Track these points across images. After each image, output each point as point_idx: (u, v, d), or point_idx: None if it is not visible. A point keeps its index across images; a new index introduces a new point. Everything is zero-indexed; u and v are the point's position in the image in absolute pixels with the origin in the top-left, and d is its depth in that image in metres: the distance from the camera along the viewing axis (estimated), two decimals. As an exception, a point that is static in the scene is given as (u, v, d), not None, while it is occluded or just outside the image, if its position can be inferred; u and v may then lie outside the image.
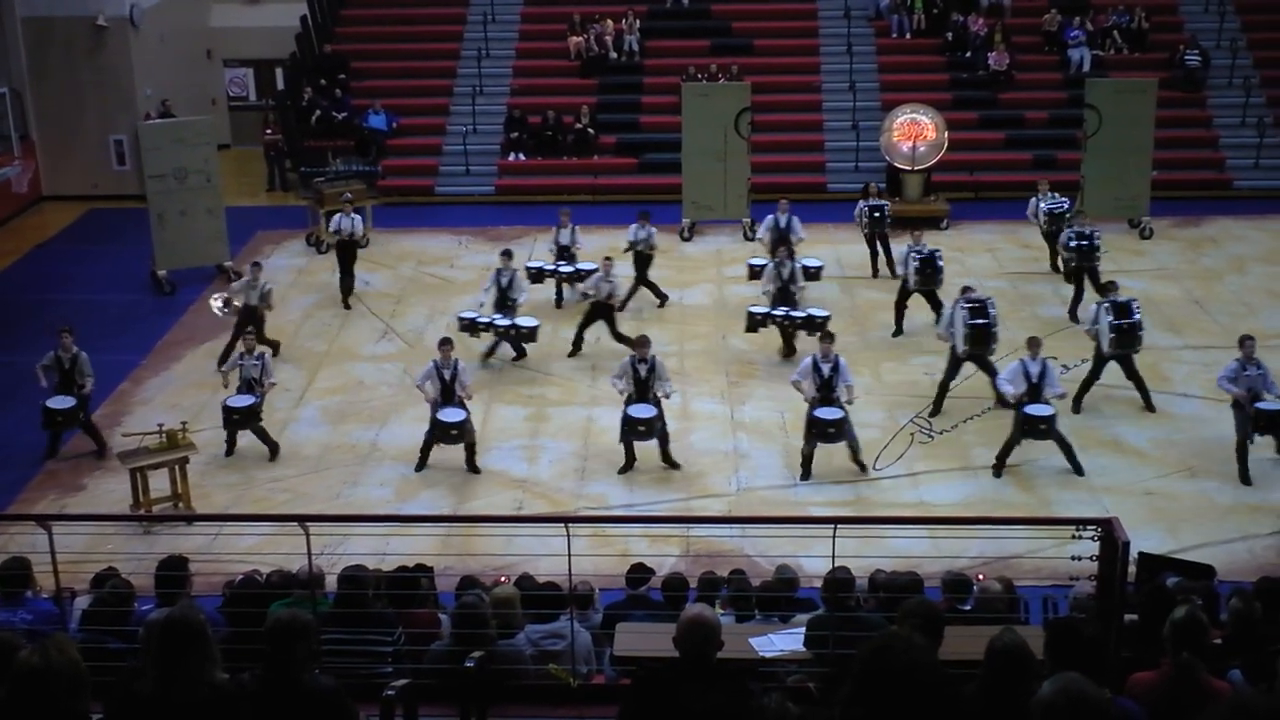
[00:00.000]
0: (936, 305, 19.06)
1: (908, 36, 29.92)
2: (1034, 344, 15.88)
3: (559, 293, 21.34)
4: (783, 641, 8.50)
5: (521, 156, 27.81)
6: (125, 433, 16.23)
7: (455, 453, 16.58)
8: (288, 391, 18.41)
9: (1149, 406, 17.28)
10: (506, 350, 19.16)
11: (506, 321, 18.78)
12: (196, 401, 17.98)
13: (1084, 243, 19.84)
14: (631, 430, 15.85)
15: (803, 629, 8.58)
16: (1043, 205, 21.68)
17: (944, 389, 17.27)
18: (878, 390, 17.99)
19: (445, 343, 16.33)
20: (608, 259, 19.43)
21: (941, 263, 19.39)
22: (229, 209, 23.14)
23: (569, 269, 21.01)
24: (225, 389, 16.59)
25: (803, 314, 18.83)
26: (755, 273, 20.21)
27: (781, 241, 20.27)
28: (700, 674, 5.57)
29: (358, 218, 21.81)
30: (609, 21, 29.67)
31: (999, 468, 15.78)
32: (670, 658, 5.67)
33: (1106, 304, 17.01)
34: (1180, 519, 14.73)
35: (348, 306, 21.41)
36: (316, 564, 8.43)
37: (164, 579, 9.46)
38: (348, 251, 21.55)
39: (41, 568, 9.09)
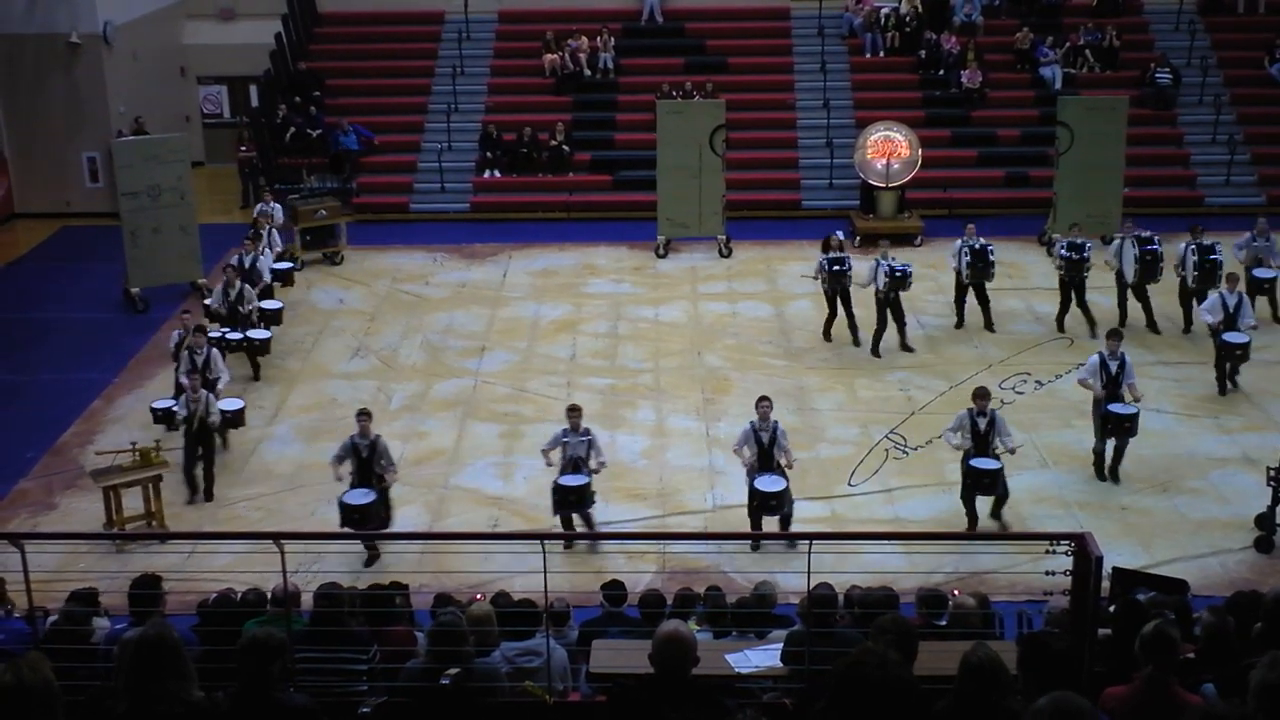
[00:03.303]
0: (986, 300, 20.55)
1: (881, 55, 30.06)
2: (1233, 279, 18.43)
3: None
4: (759, 658, 8.51)
5: (496, 174, 27.81)
6: (98, 451, 16.15)
7: (433, 470, 16.54)
8: (261, 409, 18.36)
9: (988, 325, 20.41)
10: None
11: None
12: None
13: (1074, 254, 19.99)
14: (976, 484, 14.79)
15: (779, 645, 8.59)
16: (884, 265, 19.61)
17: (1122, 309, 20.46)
18: (851, 407, 18.05)
19: (763, 401, 14.96)
20: None
21: (994, 256, 20.26)
22: (203, 226, 23.08)
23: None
24: (549, 467, 14.97)
25: (240, 335, 18.93)
26: (210, 312, 19.68)
27: (246, 277, 19.91)
28: (676, 690, 5.58)
29: (277, 206, 23.07)
30: (584, 39, 29.72)
31: (1222, 388, 18.21)
32: (646, 674, 5.67)
33: (967, 245, 20.05)
34: (1153, 534, 14.81)
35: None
36: (291, 582, 8.40)
37: (138, 598, 9.42)
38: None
39: (14, 587, 9.05)
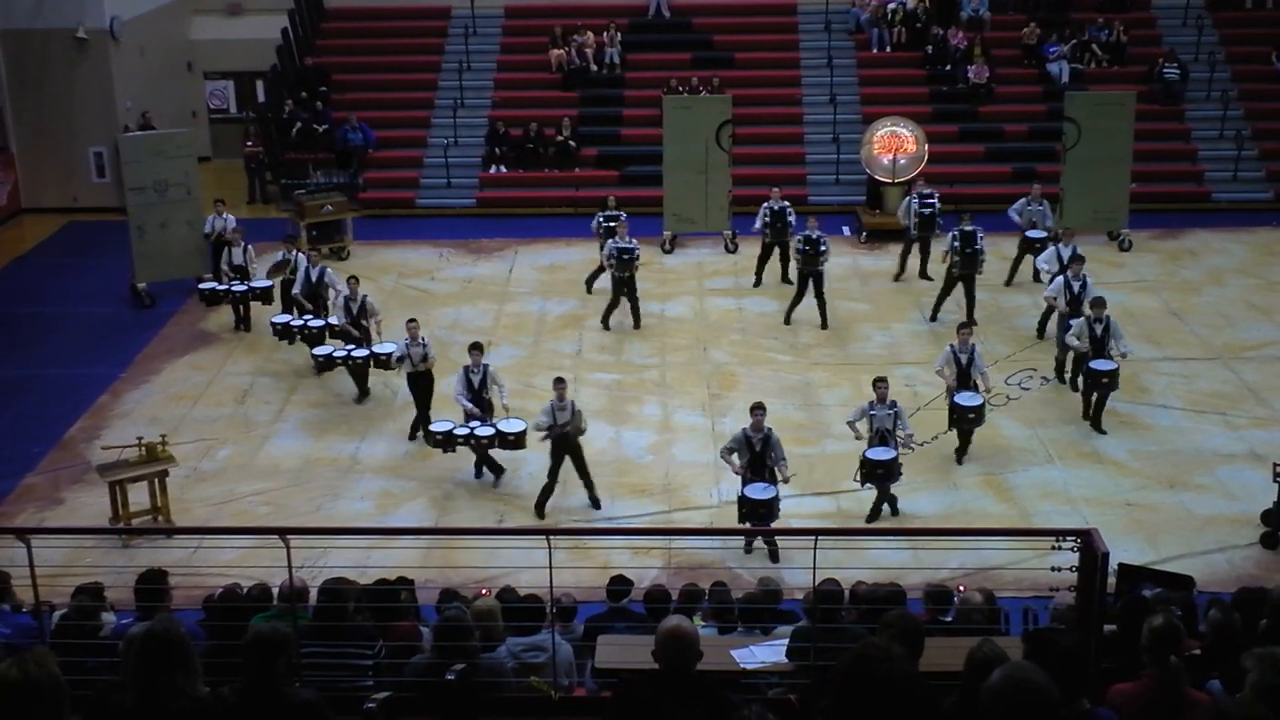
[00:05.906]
0: (786, 257, 21.97)
1: (888, 50, 30.02)
2: (1068, 234, 19.99)
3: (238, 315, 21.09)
4: (764, 653, 8.51)
5: (502, 169, 27.81)
6: (104, 445, 16.16)
7: (439, 464, 16.52)
8: (267, 404, 18.38)
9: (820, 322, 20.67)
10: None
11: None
12: (176, 414, 17.93)
13: (810, 248, 20.39)
14: (1095, 384, 16.92)
15: (784, 641, 8.58)
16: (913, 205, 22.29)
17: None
18: (857, 402, 17.96)
19: (964, 328, 16.65)
20: None
21: (792, 217, 21.73)
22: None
23: (242, 288, 20.87)
24: (859, 440, 15.15)
25: (367, 352, 18.20)
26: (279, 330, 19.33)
27: (313, 291, 19.48)
28: (680, 686, 5.57)
29: (230, 218, 22.46)
30: (590, 34, 29.71)
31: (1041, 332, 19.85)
32: (650, 670, 5.67)
33: (801, 239, 20.70)
34: (1159, 530, 14.80)
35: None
36: (298, 577, 8.40)
37: (144, 592, 9.43)
38: (220, 250, 21.80)
39: (20, 581, 9.05)
